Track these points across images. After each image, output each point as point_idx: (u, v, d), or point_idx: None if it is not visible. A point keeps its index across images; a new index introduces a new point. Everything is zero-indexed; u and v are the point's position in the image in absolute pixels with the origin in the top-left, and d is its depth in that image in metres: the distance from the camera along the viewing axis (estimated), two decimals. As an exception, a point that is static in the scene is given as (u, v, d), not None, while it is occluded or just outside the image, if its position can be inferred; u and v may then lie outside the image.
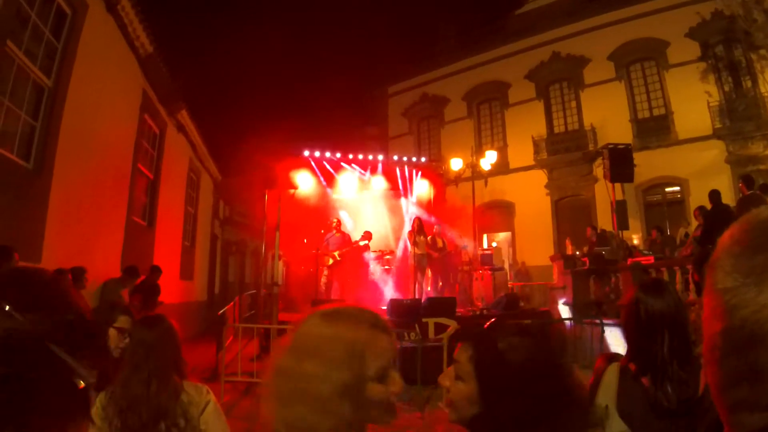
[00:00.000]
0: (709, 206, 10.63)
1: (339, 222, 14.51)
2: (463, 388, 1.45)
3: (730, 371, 0.65)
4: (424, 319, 11.07)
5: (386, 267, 16.03)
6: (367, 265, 14.97)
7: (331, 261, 13.85)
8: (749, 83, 19.88)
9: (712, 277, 0.69)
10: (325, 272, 14.12)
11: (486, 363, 1.43)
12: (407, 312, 11.58)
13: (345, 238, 14.27)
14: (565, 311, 13.89)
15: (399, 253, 16.24)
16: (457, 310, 12.30)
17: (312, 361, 1.19)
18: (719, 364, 0.66)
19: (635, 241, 19.23)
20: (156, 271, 11.77)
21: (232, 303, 14.26)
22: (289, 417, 1.18)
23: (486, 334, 1.50)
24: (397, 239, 16.76)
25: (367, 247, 14.91)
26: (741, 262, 0.66)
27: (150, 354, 2.52)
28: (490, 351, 1.44)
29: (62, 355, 0.74)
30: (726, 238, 0.70)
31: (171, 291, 14.62)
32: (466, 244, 17.28)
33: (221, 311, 12.74)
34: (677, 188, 21.33)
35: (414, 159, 17.75)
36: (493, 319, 1.56)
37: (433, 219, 16.41)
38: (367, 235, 14.71)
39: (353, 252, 14.27)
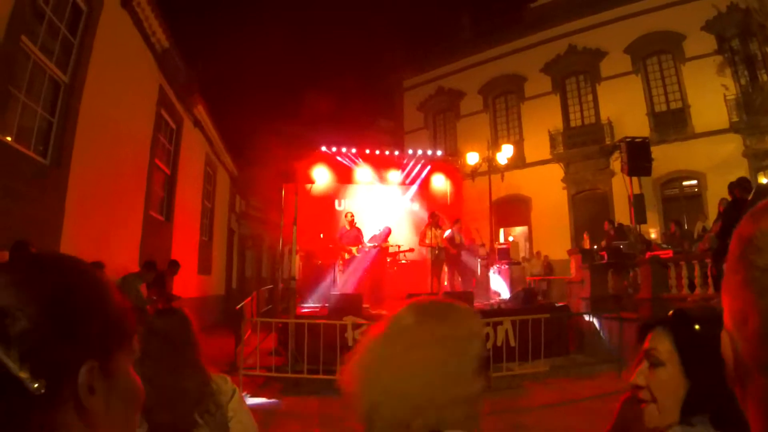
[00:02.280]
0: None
1: (353, 216, 14.48)
2: (664, 373, 1.51)
3: None
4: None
5: (403, 262, 16.03)
6: (384, 260, 14.94)
7: (347, 256, 13.85)
8: (765, 77, 19.66)
9: (762, 272, 0.63)
10: (339, 267, 14.15)
11: (689, 342, 1.49)
12: (424, 306, 11.53)
13: (359, 233, 14.26)
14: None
15: (416, 248, 16.23)
16: (474, 304, 12.27)
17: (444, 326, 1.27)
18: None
19: (653, 235, 19.11)
20: (174, 265, 11.84)
21: (249, 297, 14.31)
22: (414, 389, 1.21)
23: (682, 315, 1.56)
24: (414, 234, 16.72)
25: (387, 249, 14.85)
26: None
27: (174, 344, 2.52)
28: (690, 330, 1.51)
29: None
30: None
31: (189, 285, 14.72)
32: (482, 243, 17.22)
33: (239, 305, 12.77)
34: (695, 182, 21.14)
35: (430, 153, 17.70)
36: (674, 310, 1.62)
37: (450, 214, 16.37)
38: (386, 231, 14.71)
39: (373, 248, 14.25)
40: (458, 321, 1.32)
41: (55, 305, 0.73)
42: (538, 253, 21.32)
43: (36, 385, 0.66)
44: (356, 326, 10.21)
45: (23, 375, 0.65)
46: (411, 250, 15.41)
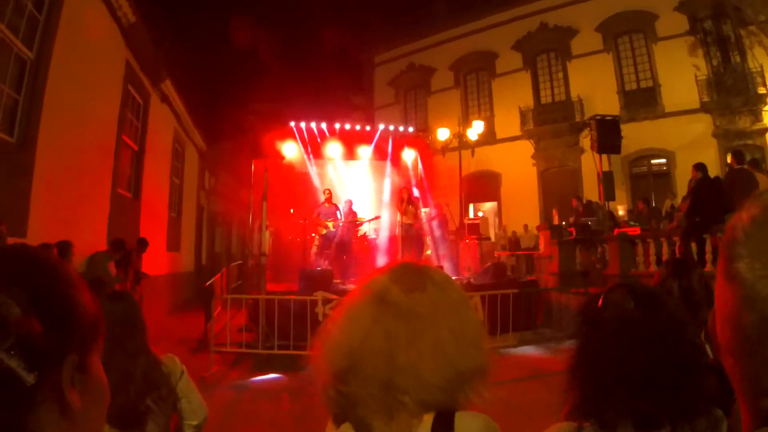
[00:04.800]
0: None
1: (330, 193, 14.45)
2: None
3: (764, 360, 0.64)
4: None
5: (373, 236, 16.11)
6: (354, 235, 14.99)
7: (324, 231, 13.83)
8: (738, 58, 19.91)
9: (732, 262, 0.68)
10: (316, 242, 14.14)
11: None
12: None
13: (336, 209, 14.25)
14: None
15: (385, 222, 16.28)
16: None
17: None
18: (749, 353, 0.66)
19: (620, 212, 19.36)
20: (143, 243, 11.74)
21: (219, 274, 14.26)
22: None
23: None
24: (381, 209, 16.75)
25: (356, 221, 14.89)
26: None
27: (128, 328, 2.49)
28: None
29: None
30: (746, 219, 0.68)
31: (158, 263, 14.61)
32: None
33: (209, 282, 12.71)
34: (663, 160, 21.46)
35: (401, 129, 17.67)
36: None
37: (420, 190, 16.45)
38: (349, 204, 14.77)
39: (345, 223, 14.27)
40: (451, 286, 1.30)
41: (43, 294, 0.71)
42: (526, 226, 21.34)
43: (29, 377, 0.64)
44: (327, 301, 10.25)
45: (17, 366, 0.63)
46: (377, 217, 15.48)
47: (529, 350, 10.65)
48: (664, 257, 11.01)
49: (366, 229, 15.96)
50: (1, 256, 0.75)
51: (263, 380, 8.87)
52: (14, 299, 0.66)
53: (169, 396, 2.50)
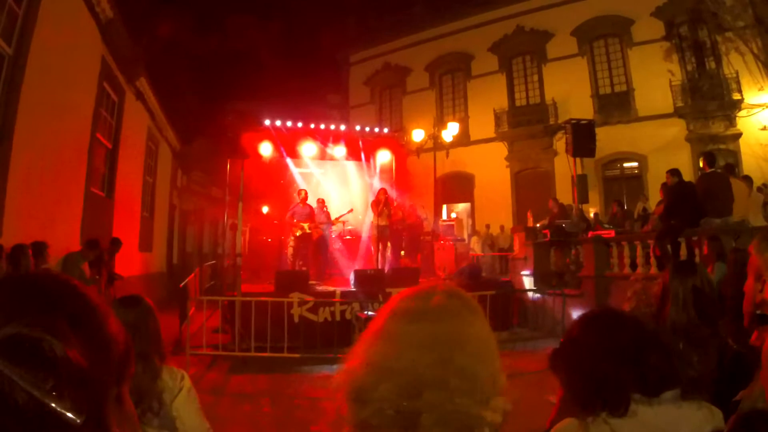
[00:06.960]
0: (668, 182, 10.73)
1: (306, 193, 14.35)
2: None
3: None
4: (388, 289, 11.14)
5: (348, 237, 16.10)
6: (331, 236, 14.95)
7: (299, 232, 13.73)
8: (713, 64, 20.21)
9: None
10: (291, 243, 14.04)
11: None
12: (371, 282, 11.73)
13: (311, 210, 14.16)
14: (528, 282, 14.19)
15: (359, 222, 16.27)
16: (420, 280, 12.39)
17: None
18: None
19: (591, 214, 19.56)
20: (116, 243, 11.58)
21: (193, 274, 14.09)
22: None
23: None
24: (357, 208, 16.74)
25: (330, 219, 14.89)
26: None
27: (134, 335, 2.42)
28: None
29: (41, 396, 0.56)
30: None
31: (131, 263, 14.43)
32: (426, 216, 17.36)
33: (183, 283, 12.54)
34: (635, 164, 21.72)
35: (376, 129, 17.64)
36: None
37: (393, 190, 16.42)
38: (321, 203, 14.80)
39: (320, 224, 14.22)
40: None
41: (83, 328, 0.66)
42: (502, 227, 21.44)
43: (77, 418, 0.59)
44: (303, 302, 10.22)
45: (64, 407, 0.58)
46: (350, 210, 15.49)
47: (505, 350, 10.68)
48: (639, 259, 11.13)
49: (340, 229, 15.93)
50: (32, 286, 0.71)
51: (241, 383, 8.80)
52: (55, 335, 0.61)
53: (161, 411, 2.39)
